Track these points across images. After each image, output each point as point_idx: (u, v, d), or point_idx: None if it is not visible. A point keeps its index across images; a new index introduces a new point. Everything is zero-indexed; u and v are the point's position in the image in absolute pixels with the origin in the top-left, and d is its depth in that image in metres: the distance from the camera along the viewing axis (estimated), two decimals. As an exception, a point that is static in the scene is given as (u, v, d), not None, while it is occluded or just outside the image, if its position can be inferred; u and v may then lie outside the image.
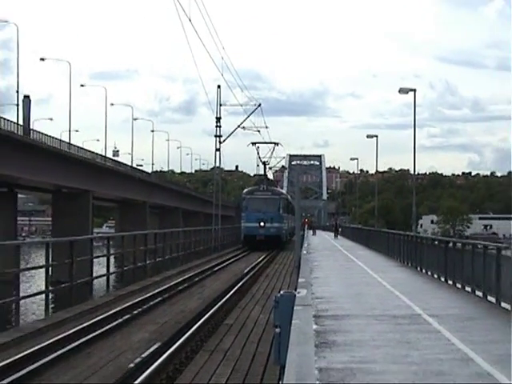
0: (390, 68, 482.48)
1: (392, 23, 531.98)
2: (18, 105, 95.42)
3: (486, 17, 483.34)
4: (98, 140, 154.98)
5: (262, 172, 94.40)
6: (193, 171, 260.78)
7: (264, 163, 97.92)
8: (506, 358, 14.59)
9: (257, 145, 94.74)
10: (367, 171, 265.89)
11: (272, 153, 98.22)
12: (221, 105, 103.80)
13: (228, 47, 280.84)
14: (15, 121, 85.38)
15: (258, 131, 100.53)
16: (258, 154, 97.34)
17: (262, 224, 79.80)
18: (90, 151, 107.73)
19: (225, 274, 42.74)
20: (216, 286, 37.90)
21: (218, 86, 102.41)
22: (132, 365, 18.20)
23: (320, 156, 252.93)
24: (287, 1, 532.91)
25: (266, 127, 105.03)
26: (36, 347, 19.71)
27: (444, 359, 14.42)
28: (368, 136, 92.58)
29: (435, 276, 33.39)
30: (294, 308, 15.62)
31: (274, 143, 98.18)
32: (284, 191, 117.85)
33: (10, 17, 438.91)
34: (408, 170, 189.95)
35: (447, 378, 12.79)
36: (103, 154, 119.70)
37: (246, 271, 46.57)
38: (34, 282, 35.71)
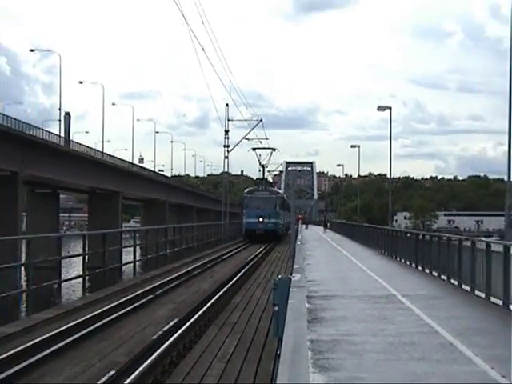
0: (370, 90, 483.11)
1: (372, 54, 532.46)
2: (60, 120, 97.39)
3: (449, 47, 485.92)
4: (126, 149, 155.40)
5: (262, 175, 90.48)
6: (205, 175, 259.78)
7: (263, 166, 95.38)
8: (466, 331, 14.67)
9: (257, 150, 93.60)
10: (351, 175, 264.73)
11: (270, 157, 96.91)
12: (229, 120, 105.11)
13: (235, 71, 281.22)
14: (58, 133, 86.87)
15: (260, 142, 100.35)
16: (258, 157, 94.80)
17: (260, 220, 76.59)
18: (119, 159, 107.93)
19: (232, 261, 42.69)
20: (225, 271, 37.86)
21: (227, 105, 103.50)
22: (154, 337, 18.23)
23: (311, 163, 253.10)
24: (286, 33, 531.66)
25: (267, 138, 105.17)
26: (75, 322, 19.75)
27: (415, 332, 14.45)
28: (352, 146, 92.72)
29: (407, 263, 33.43)
30: (290, 289, 15.66)
31: (272, 149, 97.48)
32: (280, 191, 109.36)
33: (53, 46, 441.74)
34: (385, 174, 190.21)
35: (417, 347, 12.82)
36: (130, 161, 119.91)
37: (249, 259, 46.31)
38: (73, 268, 35.65)
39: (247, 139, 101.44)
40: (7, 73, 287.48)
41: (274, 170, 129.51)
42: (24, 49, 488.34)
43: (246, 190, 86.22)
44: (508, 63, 29.29)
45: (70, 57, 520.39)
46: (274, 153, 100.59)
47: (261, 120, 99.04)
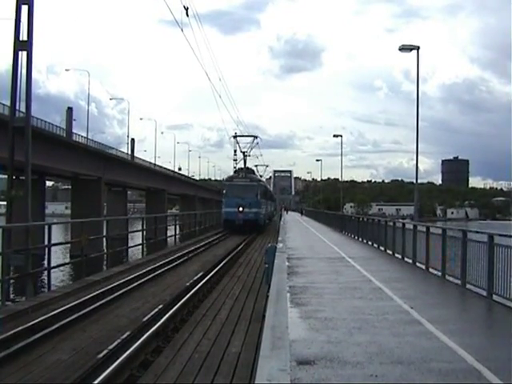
0: (328, 123, 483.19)
1: (329, 100, 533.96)
2: (127, 143, 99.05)
3: (378, 96, 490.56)
4: (169, 162, 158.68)
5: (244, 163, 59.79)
6: (222, 179, 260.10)
7: (244, 153, 63.68)
8: (389, 279, 14.74)
9: (238, 138, 65.98)
10: (316, 179, 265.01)
11: (252, 144, 63.97)
12: (237, 143, 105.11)
13: (240, 110, 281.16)
14: (126, 151, 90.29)
15: (257, 157, 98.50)
16: (238, 144, 63.23)
17: (240, 209, 50.31)
18: (165, 168, 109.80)
19: (236, 237, 42.59)
20: (232, 242, 37.67)
21: (235, 134, 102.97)
22: (188, 284, 18.27)
23: (290, 171, 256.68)
24: (275, 86, 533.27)
25: (261, 155, 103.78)
26: (137, 273, 19.83)
27: (356, 280, 14.52)
28: (316, 160, 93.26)
29: (352, 236, 33.49)
30: (276, 254, 15.71)
31: (254, 136, 66.08)
32: (263, 179, 76.48)
33: (124, 94, 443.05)
34: (338, 178, 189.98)
35: (358, 290, 12.90)
36: (172, 169, 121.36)
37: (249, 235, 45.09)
38: (136, 239, 35.86)
39: (248, 155, 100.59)
40: (95, 114, 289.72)
41: (264, 176, 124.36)
42: (106, 97, 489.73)
43: (226, 177, 58.19)
44: (415, 108, 29.61)
45: (135, 100, 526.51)
46: (261, 153, 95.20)
47: (257, 137, 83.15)
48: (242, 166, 57.07)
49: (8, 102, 28.53)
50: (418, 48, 29.23)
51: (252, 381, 7.79)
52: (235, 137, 66.45)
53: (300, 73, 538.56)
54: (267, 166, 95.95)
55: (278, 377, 3.05)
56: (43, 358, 9.54)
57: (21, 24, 25.39)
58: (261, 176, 79.43)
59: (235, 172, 56.15)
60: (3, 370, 8.85)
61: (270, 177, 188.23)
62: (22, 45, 25.30)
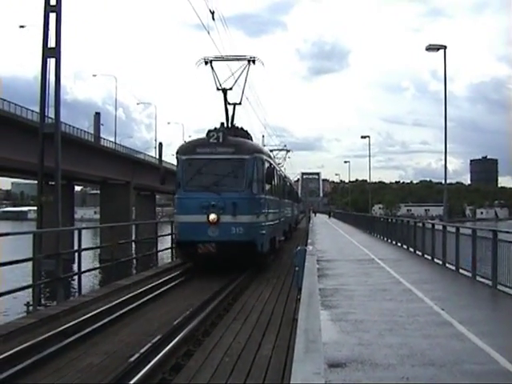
0: (356, 124, 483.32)
1: (357, 101, 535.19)
2: (155, 148, 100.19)
3: (406, 97, 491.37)
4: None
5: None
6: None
7: (223, 90, 23.89)
8: (418, 281, 14.69)
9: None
10: (344, 181, 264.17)
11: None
12: (264, 145, 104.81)
13: (269, 113, 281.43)
14: (154, 156, 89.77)
15: (285, 159, 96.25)
16: (215, 77, 23.93)
17: (212, 217, 19.38)
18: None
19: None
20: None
21: (263, 136, 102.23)
22: (217, 288, 18.14)
23: (318, 173, 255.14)
24: (303, 88, 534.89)
25: (289, 157, 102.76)
26: (166, 278, 19.76)
27: (386, 282, 14.51)
28: (344, 161, 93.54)
29: (381, 237, 33.38)
30: (306, 256, 15.71)
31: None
32: (265, 149, 28.59)
33: (150, 99, 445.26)
34: (366, 180, 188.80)
35: (388, 291, 12.90)
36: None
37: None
38: (164, 243, 35.96)
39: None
40: (123, 118, 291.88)
41: (293, 179, 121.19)
42: (133, 102, 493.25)
43: (181, 145, 22.41)
44: (443, 108, 29.51)
45: (162, 105, 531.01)
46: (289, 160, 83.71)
47: (289, 150, 72.15)
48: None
49: (37, 109, 28.87)
50: (444, 47, 29.09)
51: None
52: (206, 63, 36.57)
53: (327, 74, 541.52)
54: (288, 151, 71.39)
55: (313, 380, 3.06)
56: (75, 362, 9.61)
57: (49, 31, 25.71)
58: (271, 151, 47.13)
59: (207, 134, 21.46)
60: (36, 374, 8.94)
61: (298, 179, 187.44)
62: (51, 52, 25.63)
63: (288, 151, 48.58)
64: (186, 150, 21.14)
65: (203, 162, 20.42)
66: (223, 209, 19.54)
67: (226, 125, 23.53)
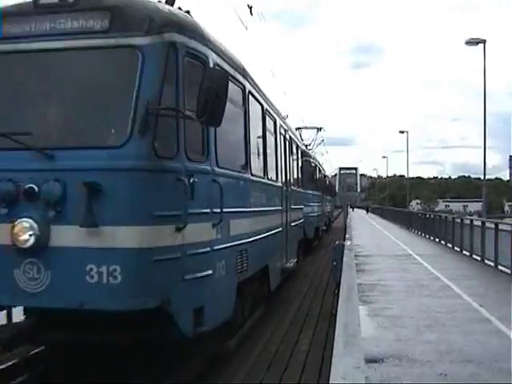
0: (394, 119, 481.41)
1: (394, 97, 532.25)
2: None
3: (444, 91, 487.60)
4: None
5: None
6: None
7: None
8: (457, 277, 14.64)
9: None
10: (382, 176, 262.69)
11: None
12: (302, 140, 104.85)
13: (305, 107, 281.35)
14: None
15: (322, 154, 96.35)
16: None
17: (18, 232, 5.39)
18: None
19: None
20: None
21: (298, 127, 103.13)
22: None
23: (356, 168, 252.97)
24: (343, 82, 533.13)
25: (327, 152, 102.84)
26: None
27: (424, 278, 14.49)
28: (382, 157, 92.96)
29: (419, 233, 33.20)
30: (344, 251, 15.73)
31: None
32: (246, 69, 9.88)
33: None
34: (404, 175, 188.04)
35: (426, 287, 12.91)
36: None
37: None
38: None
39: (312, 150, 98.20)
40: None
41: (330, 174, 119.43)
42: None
43: None
44: (482, 103, 29.31)
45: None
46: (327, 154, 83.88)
47: (320, 128, 67.34)
48: None
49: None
50: (484, 41, 28.81)
51: (321, 379, 7.86)
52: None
53: (365, 69, 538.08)
54: (319, 129, 55.64)
55: (353, 374, 3.14)
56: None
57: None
58: (306, 146, 33.79)
59: None
60: None
61: (335, 174, 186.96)
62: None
63: (319, 129, 40.69)
64: None
65: (19, 60, 6.91)
66: (65, 203, 6.15)
67: None
